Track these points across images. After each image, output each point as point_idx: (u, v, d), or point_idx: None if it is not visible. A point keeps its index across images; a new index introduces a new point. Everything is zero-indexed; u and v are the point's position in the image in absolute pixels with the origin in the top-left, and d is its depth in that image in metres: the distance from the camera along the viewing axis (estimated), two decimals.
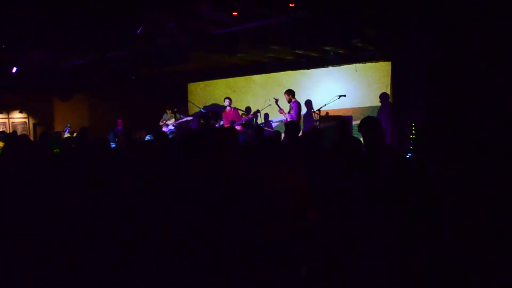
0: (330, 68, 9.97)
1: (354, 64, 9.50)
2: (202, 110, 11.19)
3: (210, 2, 5.91)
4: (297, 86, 9.70)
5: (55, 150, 7.12)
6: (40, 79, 10.66)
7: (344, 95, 8.48)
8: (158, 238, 2.73)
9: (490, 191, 2.64)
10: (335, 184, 3.03)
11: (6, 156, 5.85)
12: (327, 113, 9.23)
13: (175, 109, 10.81)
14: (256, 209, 2.61)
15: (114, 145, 7.68)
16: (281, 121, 10.22)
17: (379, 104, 9.14)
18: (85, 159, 4.61)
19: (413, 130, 7.20)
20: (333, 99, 8.31)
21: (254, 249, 2.48)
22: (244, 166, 3.13)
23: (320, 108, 8.34)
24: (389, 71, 8.88)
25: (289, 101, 8.90)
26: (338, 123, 7.02)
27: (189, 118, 10.89)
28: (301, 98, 9.35)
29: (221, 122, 10.01)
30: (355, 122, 8.25)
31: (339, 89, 9.19)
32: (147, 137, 6.79)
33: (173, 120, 10.68)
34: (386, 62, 8.99)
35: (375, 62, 9.26)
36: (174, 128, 10.55)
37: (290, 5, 5.87)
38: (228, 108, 9.93)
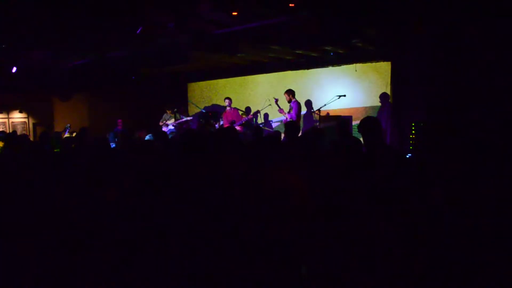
0: (330, 68, 9.97)
1: (354, 64, 9.49)
2: (202, 110, 11.19)
3: (210, 2, 5.91)
4: (297, 86, 9.70)
5: (55, 150, 7.12)
6: (40, 79, 10.67)
7: (344, 95, 8.48)
8: (158, 238, 2.73)
9: (490, 191, 2.64)
10: (335, 184, 3.03)
11: (6, 156, 5.85)
12: (328, 113, 9.23)
13: (175, 109, 10.81)
14: (256, 209, 2.61)
15: (114, 145, 7.66)
16: (281, 121, 10.23)
17: (379, 104, 9.14)
18: (85, 159, 4.61)
19: (413, 130, 7.20)
20: (333, 99, 8.31)
21: (254, 249, 2.48)
22: (244, 166, 3.13)
23: (320, 108, 8.35)
24: (389, 71, 8.88)
25: (289, 101, 8.91)
26: (338, 123, 7.02)
27: (189, 118, 10.89)
28: (301, 98, 9.35)
29: (221, 122, 10.02)
30: (355, 122, 8.25)
31: (339, 89, 9.20)
32: (147, 137, 6.78)
33: (173, 120, 10.68)
34: (386, 62, 8.99)
35: (375, 62, 9.25)
36: (174, 128, 10.55)
37: (290, 5, 5.87)
38: (228, 108, 9.93)
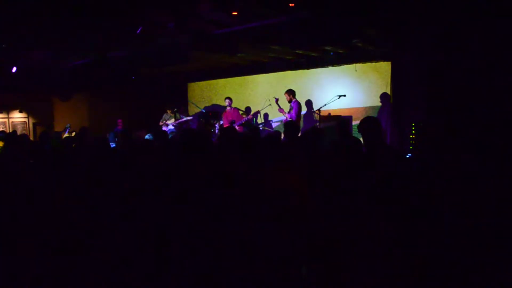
0: (330, 68, 9.97)
1: (354, 64, 9.49)
2: (202, 110, 11.19)
3: (210, 2, 5.91)
4: (297, 86, 9.69)
5: (55, 150, 7.11)
6: (40, 79, 10.67)
7: (344, 95, 8.48)
8: (158, 238, 2.73)
9: (490, 191, 2.64)
10: (335, 184, 3.03)
11: (6, 156, 5.85)
12: (329, 113, 9.24)
13: (175, 109, 10.81)
14: (256, 209, 2.61)
15: (114, 145, 7.66)
16: (281, 121, 10.22)
17: (379, 104, 9.14)
18: (84, 159, 4.61)
19: (413, 130, 7.20)
20: (333, 99, 8.31)
21: (254, 249, 2.48)
22: (244, 166, 3.13)
23: (320, 108, 8.35)
24: (389, 71, 8.87)
25: (290, 101, 8.91)
26: (338, 123, 7.02)
27: (189, 118, 10.89)
28: (301, 98, 9.35)
29: (221, 122, 10.02)
30: (355, 122, 8.25)
31: (339, 89, 9.20)
32: (146, 136, 6.77)
33: (173, 120, 10.68)
34: (386, 62, 8.98)
35: (375, 62, 9.25)
36: (174, 128, 10.56)
37: (290, 5, 5.87)
38: (228, 108, 9.93)
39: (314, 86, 10.21)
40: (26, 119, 13.33)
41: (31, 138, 12.25)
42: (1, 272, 2.86)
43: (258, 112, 9.81)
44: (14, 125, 13.08)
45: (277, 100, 9.16)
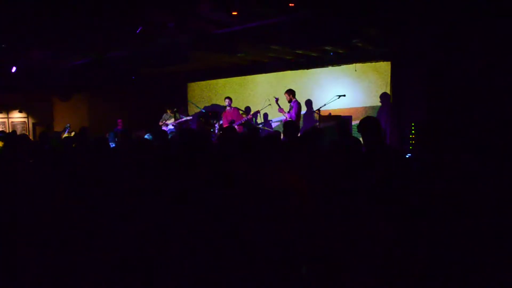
0: (330, 68, 9.97)
1: (354, 64, 9.49)
2: (202, 110, 11.19)
3: (210, 2, 5.90)
4: (296, 86, 9.69)
5: (55, 150, 7.10)
6: (40, 79, 10.67)
7: (344, 95, 8.49)
8: (158, 238, 2.73)
9: (490, 191, 2.64)
10: (335, 184, 3.03)
11: (5, 156, 5.85)
12: (330, 113, 9.24)
13: (175, 109, 10.82)
14: (256, 209, 2.61)
15: (114, 145, 7.66)
16: (281, 120, 10.22)
17: (379, 104, 9.14)
18: (84, 159, 4.61)
19: (413, 130, 7.21)
20: (333, 99, 8.32)
21: (254, 249, 2.48)
22: (244, 166, 3.13)
23: (320, 108, 8.35)
24: (389, 71, 8.88)
25: (290, 101, 8.92)
26: (338, 123, 7.02)
27: (188, 118, 10.90)
28: (301, 98, 9.35)
29: (221, 122, 10.02)
30: (355, 122, 8.25)
31: (338, 89, 9.20)
32: (146, 136, 6.77)
33: (172, 120, 10.69)
34: (385, 62, 8.98)
35: (375, 62, 9.25)
36: (174, 128, 10.56)
37: (290, 4, 5.87)
38: (228, 108, 9.93)
39: (314, 86, 10.21)
40: (25, 119, 13.33)
41: (31, 138, 12.25)
42: (1, 272, 2.86)
43: (258, 112, 9.81)
44: (13, 125, 13.08)
45: (277, 99, 9.16)
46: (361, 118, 3.93)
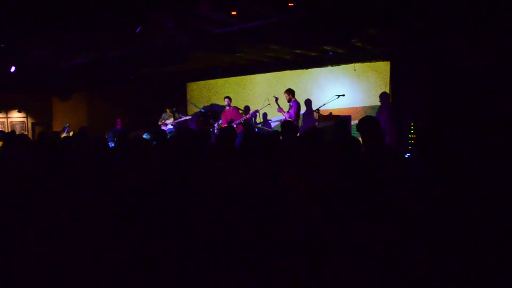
0: (329, 67, 9.97)
1: (353, 64, 9.50)
2: (201, 110, 11.19)
3: (210, 2, 5.90)
4: (296, 85, 9.70)
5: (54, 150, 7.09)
6: (39, 79, 10.65)
7: (343, 95, 8.50)
8: (158, 238, 2.73)
9: (490, 191, 2.64)
10: (334, 184, 3.03)
11: (5, 155, 5.84)
12: (330, 112, 9.24)
13: (174, 109, 10.82)
14: (256, 209, 2.61)
15: (113, 145, 7.65)
16: (280, 120, 10.23)
17: (378, 103, 9.16)
18: (83, 159, 4.61)
19: (412, 129, 7.22)
20: (332, 99, 8.33)
21: (254, 249, 2.48)
22: (244, 166, 3.13)
23: (319, 107, 8.36)
24: (388, 71, 8.88)
25: (289, 101, 8.92)
26: (337, 122, 7.02)
27: (188, 118, 10.90)
28: (300, 98, 9.36)
29: (220, 122, 10.02)
30: (354, 122, 8.26)
31: (338, 88, 9.21)
32: (144, 136, 6.76)
33: (172, 120, 10.68)
34: (385, 62, 8.99)
35: (374, 62, 9.26)
36: (173, 128, 10.56)
37: (290, 4, 5.86)
38: (227, 107, 9.92)
39: (313, 86, 10.22)
40: (24, 119, 13.32)
41: (30, 137, 12.24)
42: (1, 272, 2.85)
43: (257, 111, 9.81)
44: (12, 124, 13.06)
45: (276, 99, 9.15)
46: (360, 117, 3.93)
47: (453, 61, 6.31)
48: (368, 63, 9.35)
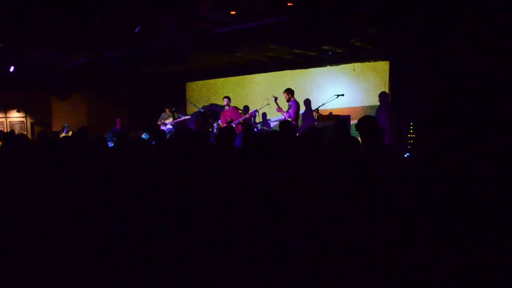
0: (329, 67, 9.97)
1: (353, 64, 9.50)
2: (200, 109, 11.18)
3: (210, 2, 5.90)
4: (295, 85, 9.70)
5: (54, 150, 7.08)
6: (39, 78, 10.63)
7: (342, 95, 8.49)
8: (158, 238, 2.73)
9: (490, 191, 2.64)
10: (334, 184, 3.03)
11: (4, 155, 5.83)
12: (330, 112, 9.24)
13: (173, 108, 10.81)
14: (256, 209, 2.61)
15: (112, 145, 7.64)
16: (280, 120, 10.22)
17: (377, 103, 9.16)
18: (83, 159, 4.60)
19: (411, 129, 7.21)
20: (332, 99, 8.32)
21: (254, 249, 2.48)
22: (244, 166, 3.13)
23: (319, 107, 8.36)
24: (387, 71, 8.87)
25: (288, 100, 8.92)
26: (336, 122, 7.02)
27: (187, 117, 10.89)
28: (299, 98, 9.36)
29: (219, 122, 10.01)
30: (353, 122, 8.25)
31: (337, 88, 9.21)
32: (143, 135, 6.76)
33: (171, 119, 10.68)
34: (384, 62, 8.99)
35: (373, 62, 9.26)
36: (172, 127, 10.55)
37: (289, 4, 5.86)
38: (227, 107, 9.92)
39: (313, 86, 10.22)
40: (24, 119, 13.30)
41: (29, 137, 12.22)
42: (0, 272, 2.85)
43: (256, 111, 9.81)
44: (11, 124, 13.04)
45: (276, 98, 9.14)
46: (360, 117, 3.93)
47: (452, 61, 6.31)
48: (368, 63, 9.35)
